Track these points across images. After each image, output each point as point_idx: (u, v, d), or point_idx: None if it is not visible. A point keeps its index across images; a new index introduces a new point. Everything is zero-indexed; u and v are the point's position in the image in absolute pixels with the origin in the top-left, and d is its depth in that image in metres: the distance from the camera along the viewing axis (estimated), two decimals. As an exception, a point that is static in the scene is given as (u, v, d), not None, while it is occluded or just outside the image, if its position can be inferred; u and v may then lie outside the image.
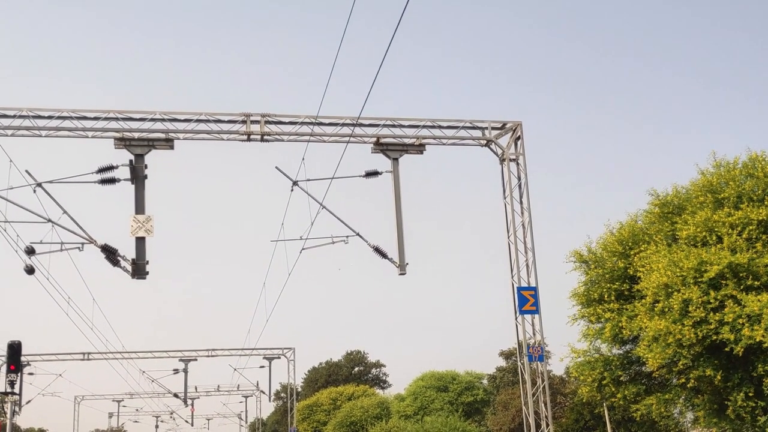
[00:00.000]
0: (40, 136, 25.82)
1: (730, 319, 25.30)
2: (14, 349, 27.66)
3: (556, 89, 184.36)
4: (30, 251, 23.60)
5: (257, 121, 27.00)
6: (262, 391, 77.93)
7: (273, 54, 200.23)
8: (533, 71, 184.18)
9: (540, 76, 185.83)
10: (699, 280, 26.40)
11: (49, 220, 23.65)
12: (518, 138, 28.70)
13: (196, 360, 62.78)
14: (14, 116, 25.50)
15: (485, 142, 28.81)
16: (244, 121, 26.95)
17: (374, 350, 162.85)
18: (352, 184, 27.46)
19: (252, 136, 26.98)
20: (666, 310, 27.05)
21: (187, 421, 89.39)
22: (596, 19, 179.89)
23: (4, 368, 38.30)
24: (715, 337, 25.87)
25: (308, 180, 26.24)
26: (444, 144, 28.62)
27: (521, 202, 28.39)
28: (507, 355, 72.58)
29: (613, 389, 31.98)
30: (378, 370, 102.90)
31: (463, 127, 28.62)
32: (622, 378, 32.62)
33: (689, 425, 39.26)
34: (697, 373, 27.25)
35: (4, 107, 25.56)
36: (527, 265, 27.79)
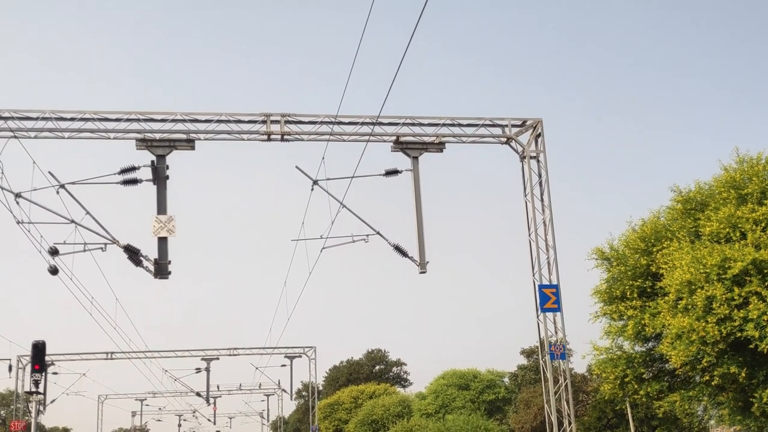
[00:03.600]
0: (63, 137, 26.05)
1: (755, 316, 25.04)
2: (38, 349, 27.94)
3: (576, 86, 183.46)
4: (54, 252, 23.78)
5: (277, 121, 27.09)
6: (284, 390, 78.27)
7: (293, 54, 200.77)
8: (554, 68, 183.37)
9: (561, 73, 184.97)
10: (723, 276, 26.16)
11: (73, 221, 23.85)
12: (539, 135, 28.58)
13: (218, 359, 63.19)
14: (37, 118, 25.76)
15: (505, 139, 28.71)
16: (264, 121, 27.05)
17: (395, 349, 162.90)
18: (372, 183, 27.50)
19: (272, 136, 27.07)
20: (689, 307, 26.84)
21: (209, 420, 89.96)
22: (617, 17, 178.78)
23: (28, 368, 38.71)
24: (739, 334, 25.63)
25: (328, 179, 26.29)
26: (464, 142, 28.55)
27: (542, 200, 28.27)
28: (528, 353, 72.40)
29: (636, 386, 31.79)
30: (399, 368, 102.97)
31: (483, 125, 28.53)
32: (644, 375, 32.41)
33: (713, 423, 38.97)
34: (721, 371, 27.02)
35: (27, 109, 25.84)
36: (548, 263, 27.67)
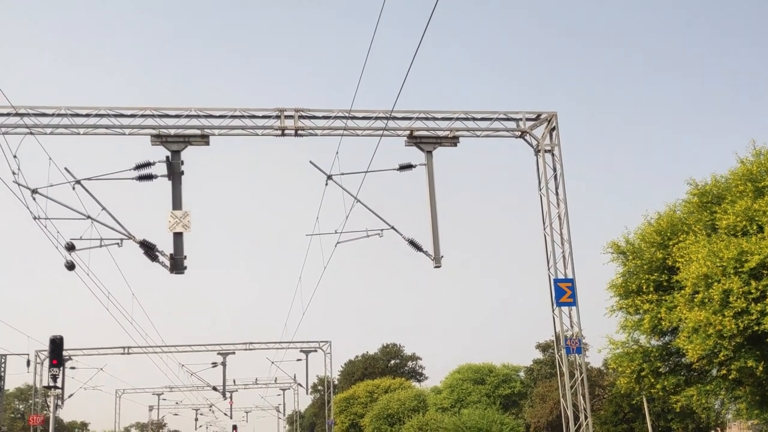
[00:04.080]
0: (78, 133, 26.18)
1: (772, 310, 24.86)
2: (56, 344, 28.13)
3: (591, 79, 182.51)
4: (70, 247, 23.91)
5: (291, 116, 27.10)
6: (300, 384, 78.45)
7: (307, 49, 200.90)
8: (568, 61, 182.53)
9: (575, 66, 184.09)
10: (740, 270, 25.99)
11: (89, 217, 23.97)
12: (553, 129, 28.44)
13: (234, 353, 63.42)
14: (53, 114, 25.90)
15: (520, 133, 28.58)
16: (278, 117, 27.07)
17: (410, 343, 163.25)
18: (386, 178, 27.47)
19: (286, 131, 27.09)
20: (706, 300, 26.68)
21: (225, 414, 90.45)
22: (632, 9, 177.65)
23: (47, 363, 39.02)
24: (756, 328, 25.45)
25: (342, 174, 26.29)
26: (478, 136, 28.46)
27: (557, 194, 28.16)
28: (544, 348, 72.22)
29: (652, 381, 31.64)
30: (414, 362, 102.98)
31: (497, 119, 28.42)
32: (661, 369, 32.26)
33: (731, 417, 38.75)
34: (738, 365, 26.85)
35: (42, 106, 25.97)
36: (564, 257, 27.57)
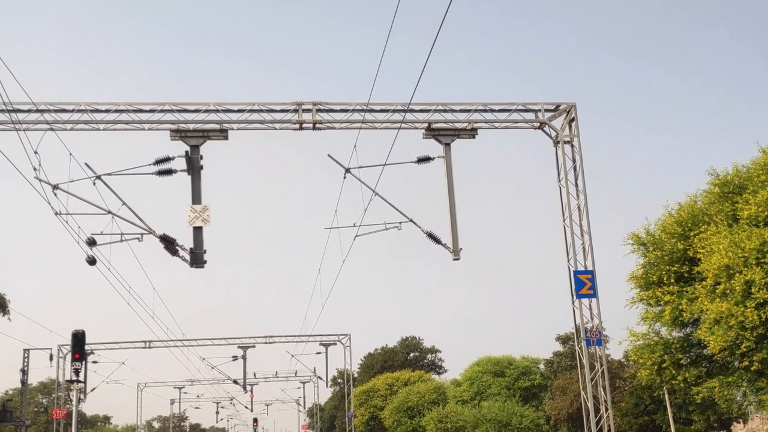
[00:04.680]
0: (98, 129, 26.35)
1: (796, 301, 24.65)
2: (78, 338, 28.36)
3: (610, 69, 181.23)
4: (91, 242, 24.05)
5: (309, 110, 27.12)
6: (320, 377, 78.66)
7: (324, 42, 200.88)
8: (587, 52, 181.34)
9: (594, 57, 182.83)
10: (762, 260, 25.77)
11: (109, 212, 24.10)
12: (572, 120, 28.28)
13: (254, 347, 63.72)
14: (73, 110, 26.08)
15: (538, 124, 28.44)
16: (296, 110, 27.09)
17: (429, 336, 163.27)
18: (405, 171, 27.38)
19: (304, 125, 27.11)
20: (728, 291, 26.49)
21: (246, 407, 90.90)
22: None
23: (69, 357, 39.33)
24: (779, 319, 25.26)
25: (360, 167, 26.24)
26: (496, 128, 28.34)
27: (576, 185, 28.01)
28: (564, 340, 71.94)
29: (674, 372, 31.47)
30: (433, 355, 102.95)
31: (516, 110, 28.29)
32: (682, 361, 32.09)
33: (753, 409, 38.47)
34: (760, 356, 26.65)
35: (63, 102, 26.16)
36: (584, 249, 27.44)
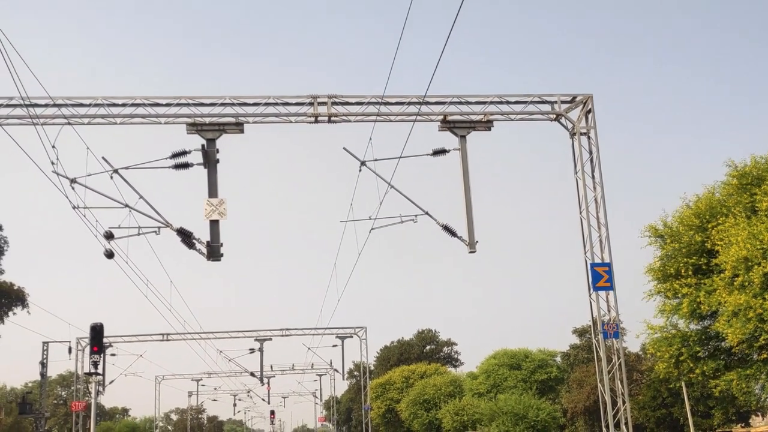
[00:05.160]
0: (115, 123, 26.48)
1: (815, 293, 24.45)
2: (97, 331, 28.59)
3: (626, 61, 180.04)
4: (109, 236, 24.19)
5: (324, 103, 27.11)
6: (336, 370, 78.95)
7: (339, 35, 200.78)
8: (603, 42, 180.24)
9: (610, 47, 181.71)
10: (781, 252, 25.57)
11: (127, 205, 24.23)
12: (589, 111, 28.11)
13: (270, 339, 63.93)
14: (90, 105, 26.21)
15: (555, 116, 28.29)
16: (311, 103, 27.10)
17: (445, 329, 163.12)
18: (420, 163, 27.37)
19: (319, 118, 27.11)
20: (746, 284, 26.31)
21: (263, 399, 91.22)
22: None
23: (88, 350, 39.67)
24: (798, 312, 25.06)
25: (376, 160, 26.21)
26: (512, 119, 28.21)
27: (593, 177, 27.86)
28: (581, 333, 71.77)
29: (691, 365, 31.33)
30: (450, 348, 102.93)
31: (532, 102, 28.15)
32: (700, 354, 31.93)
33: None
34: (779, 349, 26.47)
35: (80, 96, 26.30)
36: (600, 241, 27.29)
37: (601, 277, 26.44)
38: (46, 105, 25.77)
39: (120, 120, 26.42)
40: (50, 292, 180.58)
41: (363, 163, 26.30)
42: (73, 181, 23.77)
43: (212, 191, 25.04)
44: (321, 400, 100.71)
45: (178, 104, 26.47)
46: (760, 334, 26.63)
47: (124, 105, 26.40)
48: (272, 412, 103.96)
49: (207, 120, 26.21)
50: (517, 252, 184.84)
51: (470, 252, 26.67)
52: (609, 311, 26.69)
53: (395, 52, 16.60)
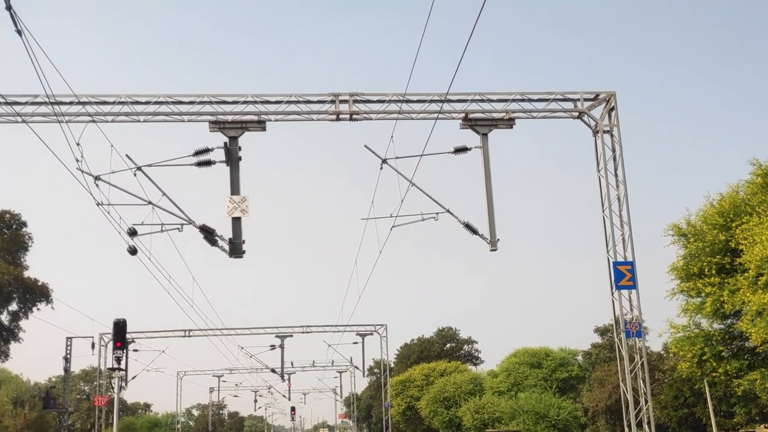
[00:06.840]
0: (139, 120, 26.68)
1: (841, 293, 24.17)
2: (120, 327, 28.85)
3: (650, 58, 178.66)
4: (132, 233, 24.38)
5: (346, 101, 27.16)
6: (356, 367, 78.96)
7: (361, 33, 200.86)
8: (627, 40, 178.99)
9: (634, 44, 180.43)
10: (806, 252, 25.30)
11: (150, 202, 24.41)
12: (612, 109, 27.94)
13: (291, 336, 64.14)
14: (114, 102, 26.44)
15: (577, 114, 28.15)
16: (333, 101, 27.15)
17: (466, 326, 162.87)
18: (441, 161, 27.34)
19: (341, 116, 27.16)
20: (771, 283, 26.06)
21: (284, 396, 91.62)
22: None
23: (110, 345, 39.99)
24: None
25: (397, 158, 26.22)
26: (534, 117, 28.11)
27: (616, 175, 27.69)
28: (602, 332, 71.38)
29: (714, 365, 31.11)
30: (470, 346, 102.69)
31: (554, 99, 28.03)
32: (723, 353, 31.67)
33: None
34: (804, 349, 26.21)
35: (104, 94, 26.55)
36: (623, 240, 27.13)
37: (623, 275, 26.28)
38: (70, 103, 26.03)
39: (143, 118, 26.63)
40: (74, 288, 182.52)
41: (384, 161, 26.33)
42: (97, 178, 23.97)
43: (234, 189, 25.15)
44: (341, 397, 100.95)
45: (200, 102, 26.65)
46: (784, 334, 26.41)
47: (147, 103, 26.60)
48: (293, 409, 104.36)
49: (229, 118, 26.35)
50: (538, 250, 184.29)
51: (491, 250, 26.60)
52: (631, 310, 26.54)
53: (417, 50, 16.59)
